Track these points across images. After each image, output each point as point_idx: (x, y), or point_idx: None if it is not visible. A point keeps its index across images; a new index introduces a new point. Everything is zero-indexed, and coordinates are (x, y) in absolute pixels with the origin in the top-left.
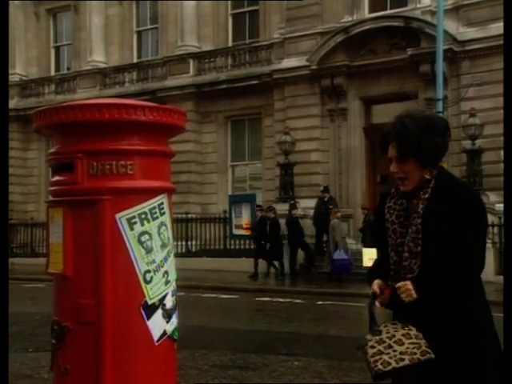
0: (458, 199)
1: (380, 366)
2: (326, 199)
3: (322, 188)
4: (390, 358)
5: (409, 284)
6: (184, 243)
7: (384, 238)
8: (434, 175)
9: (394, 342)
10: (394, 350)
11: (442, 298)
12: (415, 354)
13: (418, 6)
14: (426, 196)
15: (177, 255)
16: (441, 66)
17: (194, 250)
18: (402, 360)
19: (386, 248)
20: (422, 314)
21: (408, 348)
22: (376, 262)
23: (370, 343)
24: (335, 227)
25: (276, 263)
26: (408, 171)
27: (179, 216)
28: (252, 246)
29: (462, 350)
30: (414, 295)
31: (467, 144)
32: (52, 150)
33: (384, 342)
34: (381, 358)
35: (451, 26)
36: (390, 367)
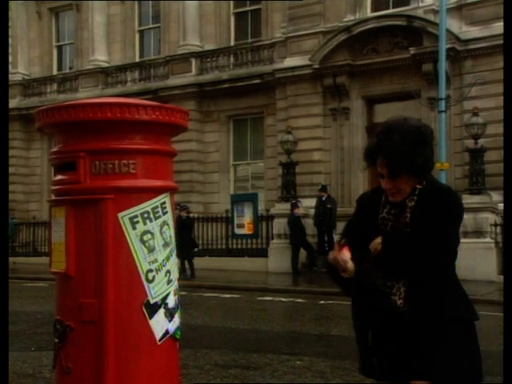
0: (440, 202)
1: None
2: (323, 198)
3: (319, 187)
4: None
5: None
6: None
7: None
8: (423, 183)
9: None
10: None
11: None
12: None
13: (421, 4)
14: (412, 204)
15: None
16: (443, 65)
17: (195, 249)
18: None
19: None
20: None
21: None
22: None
23: None
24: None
25: (186, 263)
26: (401, 187)
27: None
28: (254, 246)
29: (436, 337)
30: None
31: (470, 143)
32: (54, 149)
33: None
34: None
35: (454, 24)
36: None
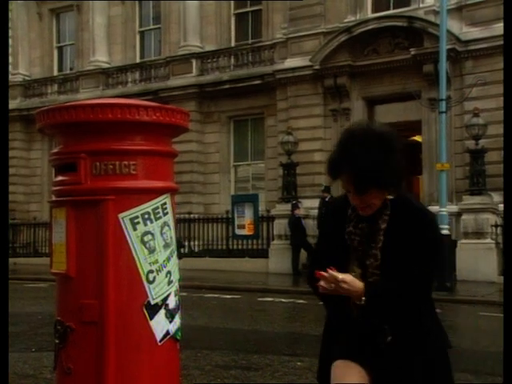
0: (415, 224)
1: None
2: (326, 199)
3: (322, 188)
4: None
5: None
6: (186, 243)
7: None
8: (397, 193)
9: None
10: None
11: (396, 309)
12: None
13: (421, 5)
14: (385, 226)
15: (179, 255)
16: (444, 66)
17: (196, 250)
18: None
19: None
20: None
21: None
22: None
23: None
24: None
25: None
26: (370, 202)
27: (182, 216)
28: (255, 247)
29: (411, 365)
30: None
31: (470, 144)
32: (55, 150)
33: None
34: None
35: (454, 25)
36: None
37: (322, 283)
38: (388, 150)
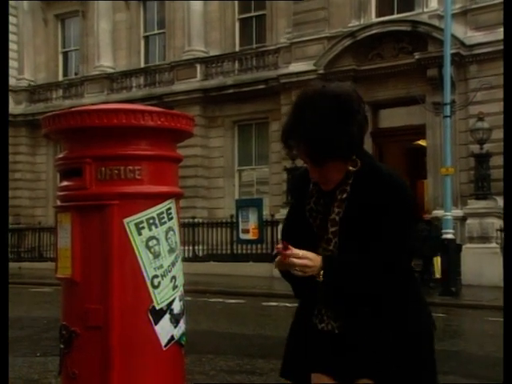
0: (380, 190)
1: None
2: None
3: None
4: None
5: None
6: (191, 248)
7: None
8: (358, 163)
9: None
10: None
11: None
12: None
13: (426, 10)
14: (344, 196)
15: (184, 260)
16: (448, 70)
17: (200, 254)
18: None
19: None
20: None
21: None
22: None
23: None
24: None
25: None
26: (329, 175)
27: (186, 220)
28: (259, 251)
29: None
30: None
31: (475, 148)
32: (60, 155)
33: None
34: None
35: (459, 30)
36: None
37: (278, 259)
38: (344, 114)
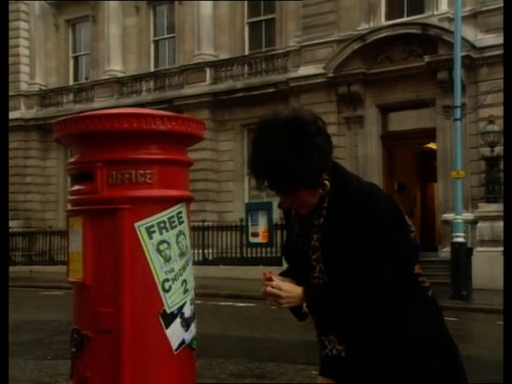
0: (351, 207)
1: None
2: None
3: None
4: None
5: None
6: (201, 251)
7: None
8: (328, 186)
9: None
10: None
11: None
12: None
13: (435, 12)
14: (321, 221)
15: (193, 263)
16: (459, 73)
17: (210, 258)
18: None
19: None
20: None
21: None
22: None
23: None
24: None
25: None
26: (301, 201)
27: (196, 224)
28: (269, 255)
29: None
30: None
31: (486, 151)
32: (72, 160)
33: None
34: None
35: (469, 32)
36: None
37: (263, 289)
38: (300, 142)
